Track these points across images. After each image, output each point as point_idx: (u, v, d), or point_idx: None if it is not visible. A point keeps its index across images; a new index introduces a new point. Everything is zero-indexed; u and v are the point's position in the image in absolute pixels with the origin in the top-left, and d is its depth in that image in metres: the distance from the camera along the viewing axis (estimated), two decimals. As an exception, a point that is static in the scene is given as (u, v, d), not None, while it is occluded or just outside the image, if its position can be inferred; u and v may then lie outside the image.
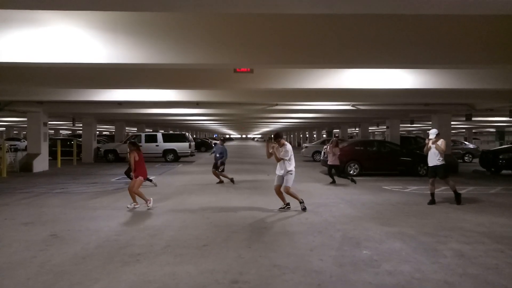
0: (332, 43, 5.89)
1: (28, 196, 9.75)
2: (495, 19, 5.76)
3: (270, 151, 7.98)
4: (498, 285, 4.12)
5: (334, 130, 39.90)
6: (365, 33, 5.83)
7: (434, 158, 8.59)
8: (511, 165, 15.55)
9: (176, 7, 4.83)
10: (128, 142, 8.59)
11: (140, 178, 8.17)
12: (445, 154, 8.69)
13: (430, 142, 8.60)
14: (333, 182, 12.28)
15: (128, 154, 8.41)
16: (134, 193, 8.02)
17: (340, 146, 13.15)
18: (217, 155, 12.33)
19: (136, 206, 8.03)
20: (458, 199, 8.67)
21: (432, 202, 8.62)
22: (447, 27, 5.83)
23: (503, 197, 9.92)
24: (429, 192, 8.81)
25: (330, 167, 12.55)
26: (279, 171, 7.92)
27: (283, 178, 7.85)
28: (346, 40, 5.88)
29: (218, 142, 13.43)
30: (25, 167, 15.93)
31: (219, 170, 12.32)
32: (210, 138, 56.66)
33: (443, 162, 8.59)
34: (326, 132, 40.73)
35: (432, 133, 8.65)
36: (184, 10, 5.61)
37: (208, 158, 25.65)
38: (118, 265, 4.67)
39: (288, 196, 7.94)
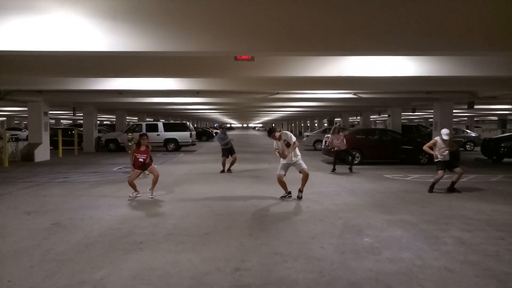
0: (334, 30, 5.82)
1: (30, 185, 9.78)
2: (498, 5, 5.68)
3: (281, 153, 7.85)
4: (499, 272, 4.15)
5: (335, 119, 39.79)
6: (367, 19, 5.76)
7: (446, 153, 8.64)
8: (513, 153, 15.54)
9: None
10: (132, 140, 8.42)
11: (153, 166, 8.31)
12: None
13: (444, 143, 8.60)
14: (334, 170, 12.33)
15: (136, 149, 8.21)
16: (155, 180, 8.13)
17: (341, 133, 13.16)
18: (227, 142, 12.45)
19: (138, 195, 8.06)
20: (454, 188, 8.78)
21: (432, 190, 8.66)
22: (450, 13, 5.75)
23: (505, 185, 9.93)
24: (433, 182, 8.80)
25: (340, 152, 12.69)
26: (287, 159, 7.80)
27: (288, 167, 7.86)
28: (348, 27, 5.81)
29: (219, 131, 13.32)
30: (27, 156, 15.98)
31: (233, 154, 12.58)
32: (211, 127, 56.60)
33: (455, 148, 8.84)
34: (327, 120, 40.64)
35: (448, 134, 8.65)
36: (184, -3, 5.56)
37: (209, 147, 25.68)
38: (121, 253, 4.70)
39: (285, 184, 7.98)
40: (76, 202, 7.68)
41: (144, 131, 21.56)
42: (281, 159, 7.95)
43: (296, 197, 7.88)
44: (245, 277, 4.00)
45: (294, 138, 7.82)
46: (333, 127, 13.63)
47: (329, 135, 14.04)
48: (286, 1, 5.67)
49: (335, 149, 12.78)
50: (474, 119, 42.83)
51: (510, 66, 8.83)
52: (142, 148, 8.04)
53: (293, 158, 7.79)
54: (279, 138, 7.83)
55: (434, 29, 5.80)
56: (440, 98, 16.58)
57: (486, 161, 16.24)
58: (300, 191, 7.94)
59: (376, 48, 5.94)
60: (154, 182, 8.12)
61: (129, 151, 9.11)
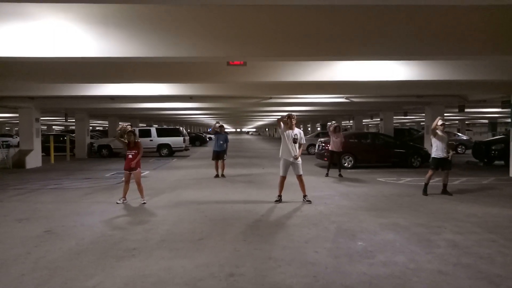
0: (326, 35, 5.87)
1: (22, 192, 9.67)
2: (488, 9, 5.77)
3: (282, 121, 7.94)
4: (491, 274, 4.17)
5: (328, 123, 39.90)
6: (359, 24, 5.81)
7: (443, 150, 8.60)
8: (503, 156, 15.66)
9: (168, -1, 4.78)
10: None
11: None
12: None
13: (440, 127, 8.62)
14: (327, 175, 12.35)
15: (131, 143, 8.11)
16: (140, 187, 8.12)
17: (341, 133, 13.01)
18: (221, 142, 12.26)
19: (124, 201, 8.02)
20: (446, 191, 8.84)
21: (425, 192, 8.71)
22: (441, 18, 5.83)
23: (496, 187, 10.02)
24: (424, 182, 8.83)
25: (332, 153, 12.61)
26: (288, 156, 7.87)
27: (288, 166, 7.93)
28: (339, 32, 5.86)
29: (218, 130, 12.47)
30: (18, 163, 15.81)
31: (223, 159, 12.37)
32: (204, 132, 56.44)
33: (450, 157, 8.69)
34: (320, 125, 40.80)
35: (440, 118, 8.75)
36: (176, 3, 5.57)
37: (202, 152, 25.60)
38: (113, 260, 4.66)
39: (282, 187, 8.06)
40: (68, 209, 7.61)
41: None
42: (281, 158, 8.00)
43: (306, 203, 7.88)
44: (239, 283, 3.99)
45: (303, 140, 8.12)
46: (333, 126, 12.67)
47: (321, 139, 14.02)
48: (278, 7, 5.71)
49: (329, 150, 12.64)
50: (465, 122, 43.29)
51: (499, 70, 8.97)
52: (131, 144, 8.08)
53: (293, 156, 7.83)
54: (292, 127, 7.88)
55: (426, 34, 5.88)
56: (431, 102, 16.75)
57: (477, 163, 16.39)
58: (305, 196, 8.04)
59: (367, 52, 6.00)
60: (140, 190, 8.13)
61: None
